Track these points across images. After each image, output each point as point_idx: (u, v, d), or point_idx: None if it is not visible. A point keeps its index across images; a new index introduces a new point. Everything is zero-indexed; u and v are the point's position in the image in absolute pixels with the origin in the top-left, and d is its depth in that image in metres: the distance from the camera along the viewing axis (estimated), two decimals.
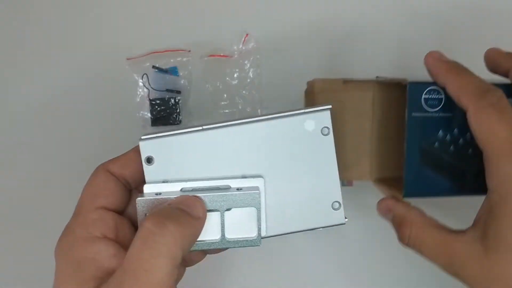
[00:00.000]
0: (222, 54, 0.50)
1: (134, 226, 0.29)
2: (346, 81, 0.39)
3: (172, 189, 0.28)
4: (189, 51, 0.51)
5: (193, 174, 0.28)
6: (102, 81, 0.52)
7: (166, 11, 0.52)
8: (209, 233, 0.28)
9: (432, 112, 0.33)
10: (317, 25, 0.51)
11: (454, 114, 0.33)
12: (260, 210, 0.28)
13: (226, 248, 0.29)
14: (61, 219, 0.32)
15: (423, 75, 0.34)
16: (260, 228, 0.28)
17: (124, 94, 0.51)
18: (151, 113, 0.50)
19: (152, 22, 0.52)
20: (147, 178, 0.28)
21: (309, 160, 0.28)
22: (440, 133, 0.34)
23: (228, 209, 0.28)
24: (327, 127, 0.28)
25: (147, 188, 0.28)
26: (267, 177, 0.28)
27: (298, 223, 0.28)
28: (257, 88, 0.50)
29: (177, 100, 0.50)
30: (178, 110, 0.50)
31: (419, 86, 0.33)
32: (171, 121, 0.50)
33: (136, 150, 0.28)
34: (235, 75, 0.50)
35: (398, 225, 0.31)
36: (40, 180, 0.52)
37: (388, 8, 0.51)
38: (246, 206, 0.27)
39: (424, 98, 0.33)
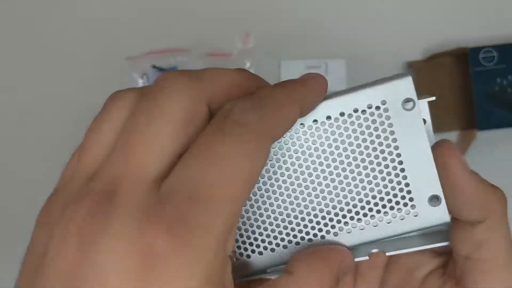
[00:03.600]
0: (222, 53, 0.50)
1: None
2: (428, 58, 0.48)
3: None
4: (189, 50, 0.51)
5: None
6: (102, 81, 0.52)
7: (166, 10, 0.52)
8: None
9: (489, 66, 0.45)
10: (316, 24, 0.51)
11: (506, 66, 0.45)
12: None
13: None
14: None
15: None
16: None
17: None
18: None
19: (152, 22, 0.52)
20: None
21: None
22: (498, 80, 0.45)
23: None
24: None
25: None
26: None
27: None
28: None
29: None
30: None
31: (477, 49, 0.45)
32: None
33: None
34: None
35: None
36: (40, 181, 0.52)
37: (388, 10, 0.51)
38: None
39: (481, 57, 0.45)
